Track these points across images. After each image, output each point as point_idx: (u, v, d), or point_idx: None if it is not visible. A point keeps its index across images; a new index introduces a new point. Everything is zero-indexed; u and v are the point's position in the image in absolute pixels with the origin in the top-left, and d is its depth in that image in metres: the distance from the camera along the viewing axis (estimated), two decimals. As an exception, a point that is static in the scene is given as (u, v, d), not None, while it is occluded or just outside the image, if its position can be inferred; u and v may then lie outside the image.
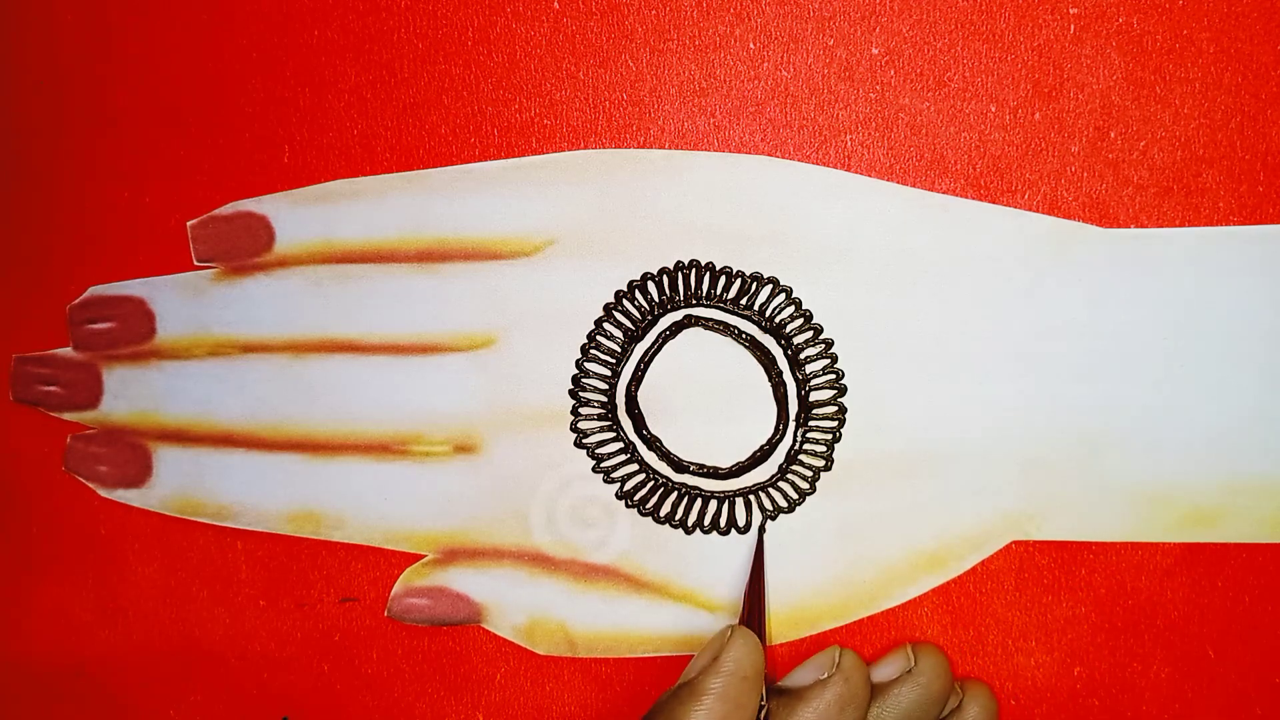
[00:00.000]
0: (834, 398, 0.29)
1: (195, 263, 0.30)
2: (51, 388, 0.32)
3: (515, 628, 0.31)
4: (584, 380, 0.30)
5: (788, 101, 0.28)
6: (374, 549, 0.31)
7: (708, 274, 0.29)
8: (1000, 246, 0.28)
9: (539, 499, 0.30)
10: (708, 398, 0.29)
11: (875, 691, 0.28)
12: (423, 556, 0.31)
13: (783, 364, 0.29)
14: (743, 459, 0.29)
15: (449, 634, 0.31)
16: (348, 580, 0.32)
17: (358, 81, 0.29)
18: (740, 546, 0.30)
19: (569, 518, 0.30)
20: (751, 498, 0.29)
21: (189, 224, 0.30)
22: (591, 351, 0.29)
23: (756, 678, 0.26)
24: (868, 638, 0.30)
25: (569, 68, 0.29)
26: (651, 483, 0.30)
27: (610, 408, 0.30)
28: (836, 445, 0.29)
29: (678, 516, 0.30)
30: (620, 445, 0.30)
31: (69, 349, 0.32)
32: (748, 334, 0.29)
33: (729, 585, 0.30)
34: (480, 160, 0.29)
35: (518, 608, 0.31)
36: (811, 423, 0.29)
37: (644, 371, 0.29)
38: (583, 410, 0.30)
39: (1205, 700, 0.29)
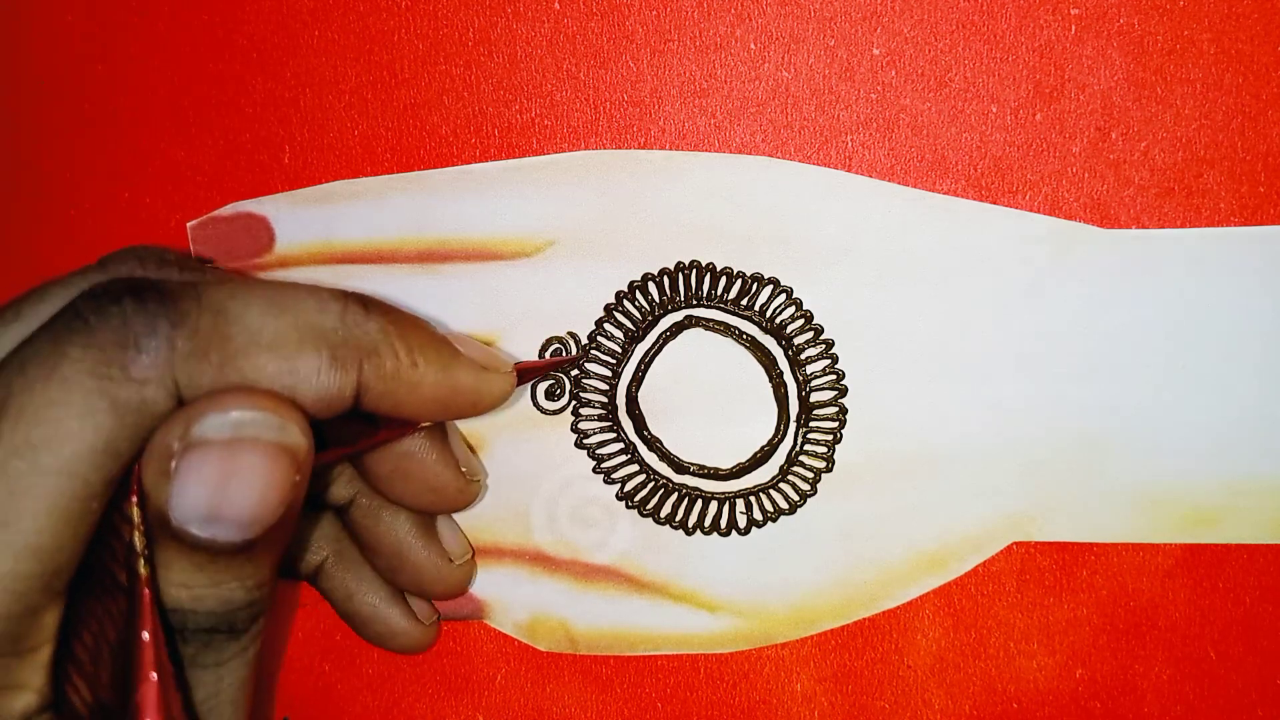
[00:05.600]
0: (835, 398, 0.29)
1: (195, 263, 0.30)
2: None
3: (517, 624, 0.31)
4: (584, 380, 0.30)
5: (788, 102, 0.28)
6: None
7: (708, 275, 0.29)
8: (1001, 247, 0.28)
9: (539, 499, 0.30)
10: (708, 399, 0.29)
11: None
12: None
13: (783, 365, 0.29)
14: (743, 460, 0.29)
15: (449, 634, 0.31)
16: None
17: (358, 82, 0.29)
18: (742, 547, 0.30)
19: (569, 518, 0.30)
20: (752, 499, 0.29)
21: (189, 225, 0.30)
22: (592, 352, 0.29)
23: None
24: (868, 638, 0.30)
25: (569, 68, 0.29)
26: (652, 483, 0.30)
27: (611, 408, 0.30)
28: (837, 446, 0.29)
29: (678, 517, 0.30)
30: (621, 446, 0.30)
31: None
32: (748, 335, 0.29)
33: (730, 585, 0.30)
34: (481, 161, 0.29)
35: (519, 605, 0.31)
36: (812, 424, 0.29)
37: (644, 372, 0.29)
38: (583, 410, 0.30)
39: (1207, 702, 0.29)
